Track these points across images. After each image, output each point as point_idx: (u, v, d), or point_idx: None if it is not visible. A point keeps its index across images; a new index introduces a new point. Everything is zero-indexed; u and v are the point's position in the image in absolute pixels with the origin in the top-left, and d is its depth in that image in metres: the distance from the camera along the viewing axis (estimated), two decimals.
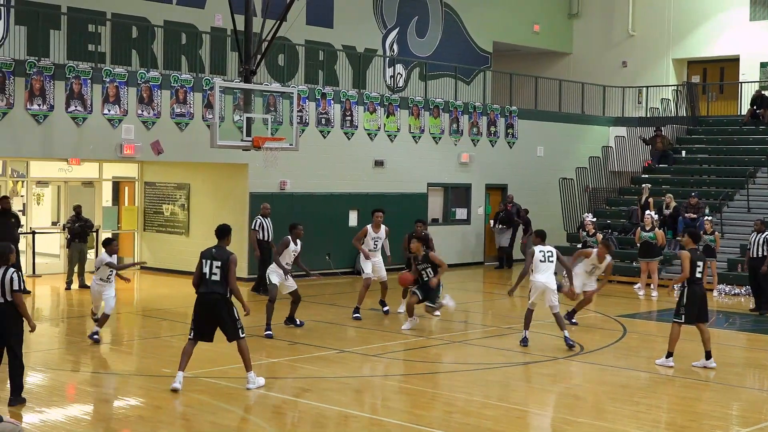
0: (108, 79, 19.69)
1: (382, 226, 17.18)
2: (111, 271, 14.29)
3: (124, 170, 24.19)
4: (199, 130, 20.53)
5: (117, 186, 24.52)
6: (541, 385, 12.28)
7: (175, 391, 11.02)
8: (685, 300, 12.95)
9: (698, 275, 12.96)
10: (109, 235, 19.67)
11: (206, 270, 11.29)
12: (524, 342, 14.24)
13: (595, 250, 16.48)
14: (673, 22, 32.32)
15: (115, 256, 14.62)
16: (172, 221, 23.50)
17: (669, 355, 13.07)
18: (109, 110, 19.69)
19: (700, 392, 11.98)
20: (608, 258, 16.27)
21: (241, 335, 11.27)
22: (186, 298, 19.62)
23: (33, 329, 10.64)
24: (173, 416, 10.25)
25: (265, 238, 19.38)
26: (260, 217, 19.60)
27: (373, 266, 17.02)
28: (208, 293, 11.23)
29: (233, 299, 11.33)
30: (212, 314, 11.28)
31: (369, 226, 17.24)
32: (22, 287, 10.42)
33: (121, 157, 20.20)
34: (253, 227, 19.60)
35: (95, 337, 14.18)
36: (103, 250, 14.76)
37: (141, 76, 20.19)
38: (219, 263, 11.22)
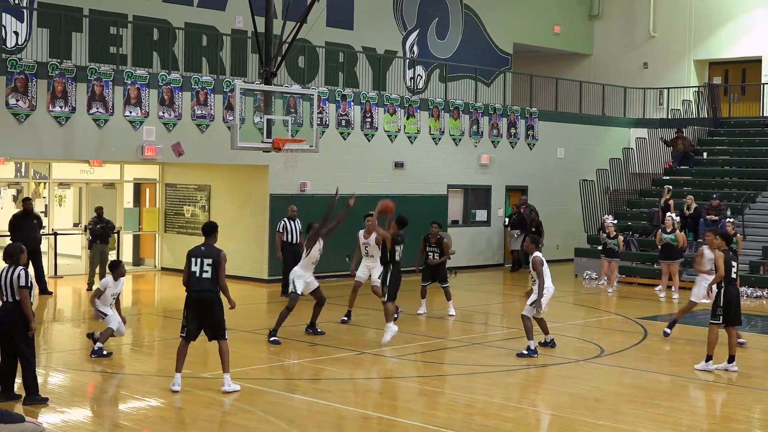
0: (129, 81, 19.80)
1: (373, 234, 16.44)
2: (114, 296, 13.53)
3: (146, 172, 24.31)
4: (220, 131, 20.61)
5: (138, 187, 24.64)
6: (560, 387, 12.24)
7: (174, 392, 11.04)
8: (722, 301, 12.90)
9: (733, 276, 12.90)
10: (116, 258, 19.56)
11: (196, 268, 11.20)
12: (535, 353, 13.68)
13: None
14: (695, 23, 32.16)
15: (122, 279, 13.67)
16: (192, 222, 23.59)
17: (708, 358, 12.97)
18: (130, 112, 19.80)
19: (722, 395, 11.92)
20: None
21: (225, 336, 11.25)
22: None
23: (32, 332, 10.51)
24: (194, 417, 10.29)
25: (290, 241, 19.39)
26: (285, 219, 19.61)
27: (370, 271, 16.62)
28: (200, 291, 11.17)
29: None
30: (204, 313, 11.23)
31: (360, 232, 16.81)
32: (29, 284, 10.44)
33: (142, 159, 20.30)
34: (278, 229, 19.62)
35: (104, 353, 13.22)
36: (109, 273, 13.80)
37: (162, 78, 20.29)
38: (210, 261, 11.17)
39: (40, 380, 10.93)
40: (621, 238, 22.49)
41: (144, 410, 10.74)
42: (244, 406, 10.67)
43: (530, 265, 13.69)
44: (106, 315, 13.41)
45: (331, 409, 10.72)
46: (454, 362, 13.79)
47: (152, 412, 10.66)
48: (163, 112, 20.26)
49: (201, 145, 20.81)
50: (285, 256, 19.22)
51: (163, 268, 24.02)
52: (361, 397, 11.44)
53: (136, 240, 24.61)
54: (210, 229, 11.55)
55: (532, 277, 13.71)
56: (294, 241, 19.32)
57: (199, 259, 11.23)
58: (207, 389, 11.34)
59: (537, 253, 13.55)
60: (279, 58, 18.39)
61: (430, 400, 11.31)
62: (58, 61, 19.20)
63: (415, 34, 29.04)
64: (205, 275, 11.18)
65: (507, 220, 26.51)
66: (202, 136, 20.81)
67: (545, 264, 13.61)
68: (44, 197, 22.90)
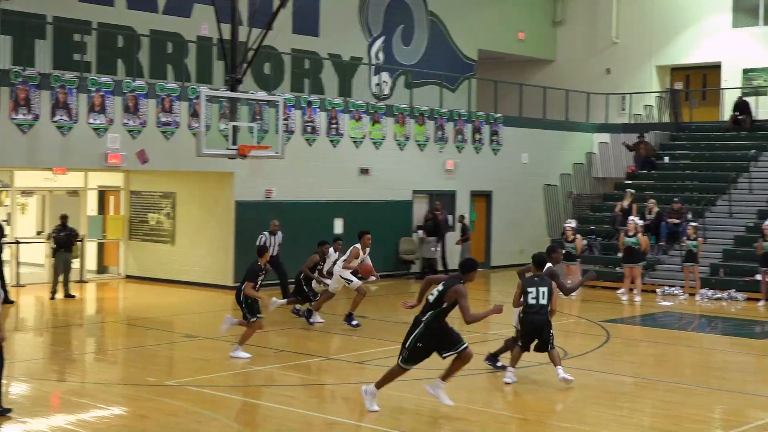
0: (93, 89, 19.72)
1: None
2: None
3: (110, 179, 24.20)
4: (185, 138, 20.58)
5: (102, 195, 24.52)
6: (525, 390, 12.35)
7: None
8: None
9: None
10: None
11: None
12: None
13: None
14: (656, 30, 32.52)
15: None
16: (157, 230, 23.53)
17: None
18: (94, 119, 19.71)
19: (684, 396, 12.08)
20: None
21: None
22: (171, 306, 19.73)
23: (2, 341, 10.40)
24: (158, 425, 10.28)
25: (271, 254, 19.31)
26: (267, 233, 19.56)
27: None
28: None
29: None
30: None
31: (359, 248, 16.76)
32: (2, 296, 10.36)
33: (106, 167, 20.22)
34: (257, 243, 19.42)
35: None
36: None
37: (127, 86, 20.24)
38: None
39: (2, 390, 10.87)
40: (579, 241, 22.67)
41: (107, 419, 10.70)
42: (209, 414, 10.69)
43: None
44: None
45: (296, 415, 10.76)
46: (419, 367, 13.85)
47: (116, 420, 10.64)
48: (128, 120, 20.20)
49: (166, 152, 20.76)
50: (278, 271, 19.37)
51: (127, 276, 23.91)
52: (327, 402, 11.50)
53: (101, 248, 24.48)
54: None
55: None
56: (274, 254, 19.31)
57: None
58: (172, 397, 11.34)
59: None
60: (245, 65, 18.41)
61: (396, 405, 11.37)
62: (22, 68, 19.09)
63: (380, 40, 29.15)
64: None
65: (420, 229, 25.55)
66: (167, 144, 20.77)
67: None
68: (6, 205, 22.72)
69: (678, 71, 32.99)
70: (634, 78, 32.84)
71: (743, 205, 24.99)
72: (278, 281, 19.86)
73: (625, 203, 25.07)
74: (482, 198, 27.76)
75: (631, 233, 21.48)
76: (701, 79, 32.79)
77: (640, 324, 18.67)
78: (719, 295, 21.55)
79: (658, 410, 11.35)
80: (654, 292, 22.20)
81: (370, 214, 24.05)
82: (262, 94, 21.91)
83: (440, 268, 25.12)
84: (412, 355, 10.71)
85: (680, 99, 31.61)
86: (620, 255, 22.08)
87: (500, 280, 25.96)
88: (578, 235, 22.79)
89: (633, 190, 25.84)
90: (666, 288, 22.29)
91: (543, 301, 12.30)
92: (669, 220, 24.11)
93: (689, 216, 24.09)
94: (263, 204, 22.20)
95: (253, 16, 18.83)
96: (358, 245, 16.74)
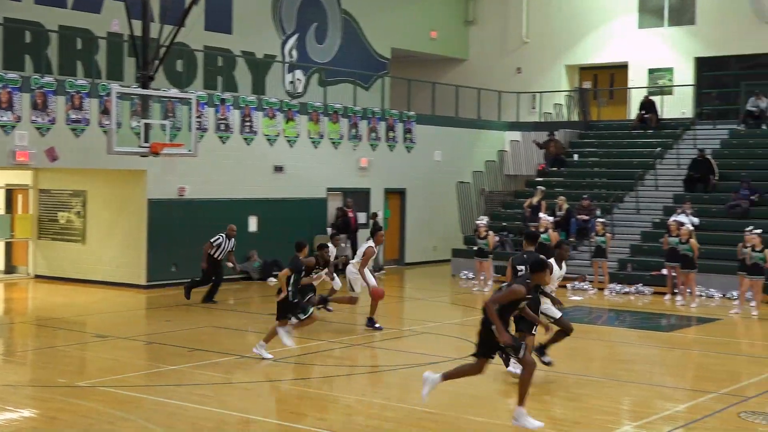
0: (0, 85, 19.29)
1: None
2: None
3: (18, 177, 23.68)
4: (96, 136, 20.26)
5: (10, 193, 23.99)
6: (440, 385, 12.47)
7: None
8: None
9: None
10: None
11: None
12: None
13: None
14: (565, 30, 33.13)
15: None
16: (68, 229, 23.12)
17: None
18: (1, 116, 19.28)
19: (593, 389, 12.36)
20: None
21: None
22: (82, 306, 19.41)
23: None
24: (69, 427, 10.14)
25: (217, 257, 19.31)
26: (224, 235, 19.48)
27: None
28: None
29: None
30: None
31: (373, 246, 16.61)
32: None
33: (14, 164, 19.78)
34: (211, 241, 19.40)
35: None
36: None
37: (35, 82, 19.83)
38: None
39: None
40: (492, 238, 22.98)
41: (17, 422, 10.51)
42: (122, 414, 10.58)
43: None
44: None
45: (211, 414, 10.72)
46: (335, 363, 13.94)
47: (26, 423, 10.46)
48: (37, 117, 19.79)
49: (76, 150, 20.41)
50: (207, 269, 19.23)
51: (37, 276, 23.45)
52: (242, 401, 11.47)
53: (8, 247, 23.95)
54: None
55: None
56: (221, 258, 19.31)
57: None
58: (84, 398, 11.19)
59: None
60: (156, 62, 18.23)
61: (311, 402, 11.41)
62: None
63: (294, 38, 29.10)
64: None
65: (331, 228, 25.72)
66: (77, 141, 20.42)
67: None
68: None
69: (586, 71, 33.67)
70: (544, 77, 33.40)
71: (650, 202, 25.66)
72: (212, 283, 19.70)
73: (535, 200, 25.54)
74: (396, 195, 27.94)
75: (542, 230, 21.85)
76: (609, 78, 33.53)
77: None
78: (627, 290, 22.10)
79: (569, 402, 11.60)
80: (564, 287, 22.63)
81: (284, 211, 24.02)
82: (174, 92, 21.70)
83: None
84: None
85: (588, 98, 32.28)
86: None
87: (415, 276, 26.20)
88: (491, 232, 23.10)
89: (543, 187, 26.33)
90: (576, 283, 22.77)
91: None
92: (578, 217, 24.62)
93: (598, 212, 24.64)
94: (176, 202, 22.00)
95: (165, 13, 18.67)
96: (371, 243, 16.56)
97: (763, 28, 29.41)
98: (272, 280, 22.62)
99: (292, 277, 13.84)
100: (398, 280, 25.27)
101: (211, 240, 19.45)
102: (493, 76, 33.35)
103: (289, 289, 13.76)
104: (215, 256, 19.41)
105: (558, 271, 12.59)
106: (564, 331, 12.83)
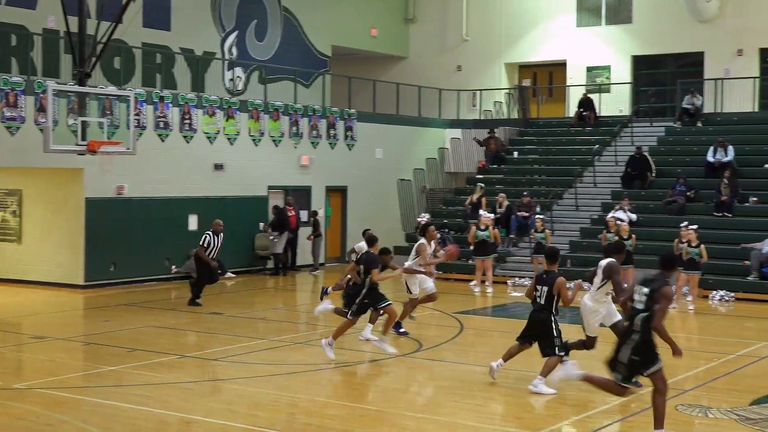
0: None
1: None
2: None
3: None
4: (32, 134, 19.89)
5: None
6: (382, 382, 12.53)
7: None
8: None
9: None
10: None
11: None
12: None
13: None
14: (505, 28, 33.36)
15: None
16: (3, 228, 22.70)
17: None
18: None
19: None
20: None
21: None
22: (19, 306, 19.08)
23: None
24: (5, 429, 9.97)
25: (211, 255, 18.81)
26: (210, 233, 18.99)
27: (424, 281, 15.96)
28: None
29: None
30: None
31: (425, 243, 15.99)
32: None
33: None
34: (201, 243, 18.84)
35: None
36: None
37: None
38: None
39: None
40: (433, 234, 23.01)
41: None
42: (60, 417, 10.42)
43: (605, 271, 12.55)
44: None
45: (151, 414, 10.61)
46: (277, 362, 13.88)
47: None
48: None
49: (11, 148, 20.03)
50: (202, 269, 18.69)
51: None
52: (183, 401, 11.37)
53: None
54: None
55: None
56: (213, 256, 18.80)
57: None
58: (21, 400, 11.00)
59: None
60: (93, 59, 17.99)
61: (253, 401, 11.35)
62: None
63: (233, 35, 28.90)
64: None
65: (267, 225, 25.22)
66: (12, 139, 20.04)
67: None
68: None
69: (526, 69, 33.96)
70: (484, 75, 33.60)
71: (588, 199, 25.97)
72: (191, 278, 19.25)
73: (475, 197, 25.71)
74: (337, 193, 27.90)
75: (482, 227, 22.00)
76: (548, 76, 33.86)
77: (491, 315, 19.19)
78: (568, 285, 22.26)
79: (511, 398, 11.69)
80: (505, 283, 22.85)
81: (225, 209, 23.83)
82: (112, 89, 21.39)
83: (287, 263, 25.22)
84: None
85: (528, 96, 32.56)
86: (472, 248, 22.56)
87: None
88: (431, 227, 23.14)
89: (483, 184, 26.51)
90: (516, 279, 22.96)
91: (540, 300, 11.91)
92: (518, 214, 24.83)
93: (537, 209, 24.87)
94: (115, 201, 21.72)
95: (102, 9, 18.40)
96: (423, 240, 16.02)
97: (698, 27, 29.93)
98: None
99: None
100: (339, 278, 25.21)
101: (201, 243, 18.79)
102: (433, 74, 33.46)
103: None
104: (209, 255, 18.96)
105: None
106: None
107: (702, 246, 19.41)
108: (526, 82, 33.57)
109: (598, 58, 31.82)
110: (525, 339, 12.07)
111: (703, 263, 19.61)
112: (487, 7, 33.63)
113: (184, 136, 23.45)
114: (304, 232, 25.83)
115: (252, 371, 13.25)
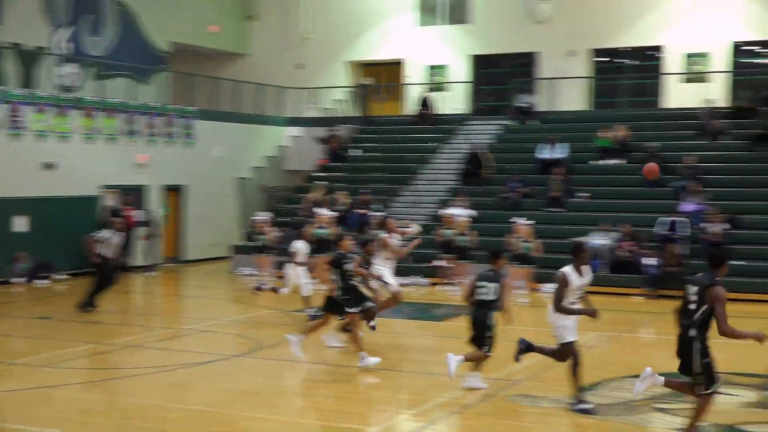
0: None
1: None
2: None
3: None
4: None
5: None
6: (220, 383, 12.34)
7: None
8: None
9: None
10: None
11: None
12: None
13: None
14: (346, 27, 33.51)
15: None
16: None
17: None
18: None
19: (377, 380, 12.52)
20: None
21: None
22: None
23: None
24: None
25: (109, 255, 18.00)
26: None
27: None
28: None
29: None
30: None
31: (385, 235, 15.85)
32: None
33: None
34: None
35: None
36: None
37: None
38: None
39: None
40: (273, 234, 22.89)
41: None
42: None
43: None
44: None
45: None
46: (111, 367, 13.50)
47: None
48: None
49: None
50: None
51: None
52: (8, 409, 10.89)
53: None
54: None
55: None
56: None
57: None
58: None
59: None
60: None
61: (84, 408, 10.99)
62: None
63: (69, 30, 27.90)
64: None
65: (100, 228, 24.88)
66: None
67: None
68: None
69: (367, 67, 34.17)
70: (325, 73, 33.65)
71: (426, 195, 26.35)
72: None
73: (315, 196, 25.69)
74: (175, 192, 27.37)
75: (323, 225, 21.95)
76: (388, 74, 34.17)
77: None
78: (405, 281, 22.54)
79: (352, 395, 11.73)
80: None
81: (56, 210, 23.04)
82: None
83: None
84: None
85: (369, 94, 32.79)
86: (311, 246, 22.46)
87: (194, 274, 25.79)
88: (270, 228, 22.99)
89: (322, 182, 26.50)
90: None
91: (485, 297, 11.73)
92: (356, 211, 24.96)
93: (373, 206, 25.06)
94: None
95: None
96: (383, 234, 15.86)
97: (533, 28, 30.80)
98: (41, 282, 21.79)
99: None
100: (177, 278, 24.80)
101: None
102: (275, 72, 33.29)
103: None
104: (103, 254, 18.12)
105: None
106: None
107: (536, 241, 19.96)
108: (366, 81, 33.80)
109: (437, 57, 32.34)
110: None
111: (536, 257, 20.18)
112: (328, 5, 33.69)
113: (12, 134, 22.50)
114: (141, 233, 25.23)
115: (83, 377, 12.84)
